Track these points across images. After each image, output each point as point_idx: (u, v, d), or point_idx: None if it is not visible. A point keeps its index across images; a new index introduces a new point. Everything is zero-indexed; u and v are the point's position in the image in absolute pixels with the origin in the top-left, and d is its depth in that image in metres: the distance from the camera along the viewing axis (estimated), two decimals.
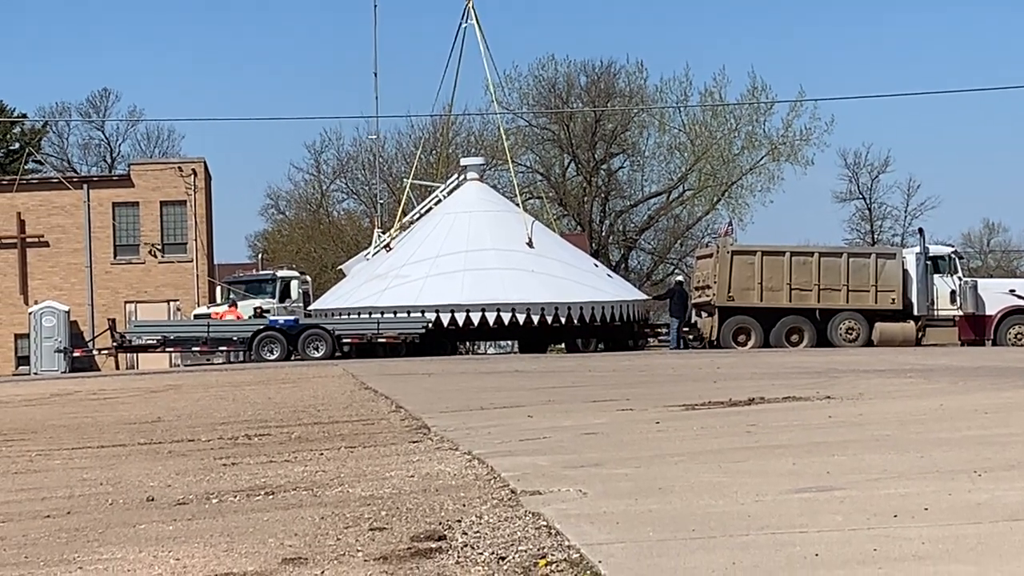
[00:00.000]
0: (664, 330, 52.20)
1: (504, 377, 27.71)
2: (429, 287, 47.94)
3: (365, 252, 54.83)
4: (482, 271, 48.34)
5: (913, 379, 22.10)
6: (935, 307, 46.33)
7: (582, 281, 49.15)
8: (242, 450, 14.92)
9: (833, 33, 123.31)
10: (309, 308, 51.84)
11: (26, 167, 66.46)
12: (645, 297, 54.60)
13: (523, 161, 78.02)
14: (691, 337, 48.83)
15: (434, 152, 69.27)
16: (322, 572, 7.46)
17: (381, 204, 69.45)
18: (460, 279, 48.08)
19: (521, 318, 47.56)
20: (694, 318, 49.80)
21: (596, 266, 53.68)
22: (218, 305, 52.75)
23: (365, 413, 19.36)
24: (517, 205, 54.24)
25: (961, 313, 46.08)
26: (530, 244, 49.91)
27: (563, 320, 48.00)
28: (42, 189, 60.11)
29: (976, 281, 48.09)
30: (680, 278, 49.58)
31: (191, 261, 59.24)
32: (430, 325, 46.99)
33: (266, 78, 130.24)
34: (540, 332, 48.77)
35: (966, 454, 11.05)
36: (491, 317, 47.39)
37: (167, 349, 49.25)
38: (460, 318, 47.38)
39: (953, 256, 48.02)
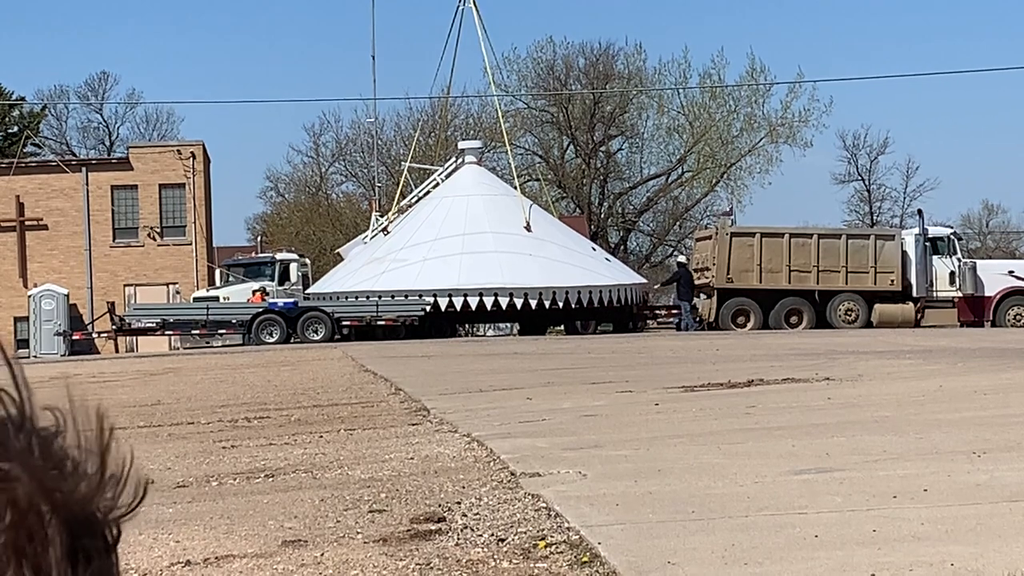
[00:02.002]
0: (662, 312, 52.25)
1: (503, 359, 27.72)
2: (427, 271, 47.88)
3: (363, 235, 54.75)
4: (480, 255, 48.26)
5: (912, 360, 22.12)
6: (934, 288, 46.33)
7: (580, 265, 49.07)
8: (242, 433, 14.94)
9: (832, 14, 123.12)
10: (308, 291, 51.81)
11: (25, 150, 66.36)
12: (644, 280, 54.46)
13: (522, 143, 77.94)
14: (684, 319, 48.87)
15: (432, 135, 69.19)
16: (322, 554, 7.47)
17: (379, 187, 69.39)
18: (457, 263, 48.00)
19: (519, 302, 47.51)
20: (693, 300, 49.81)
21: (594, 250, 53.58)
22: (219, 287, 52.78)
23: (364, 396, 19.37)
24: (515, 188, 54.14)
25: (960, 294, 46.07)
26: (528, 228, 49.85)
27: (560, 304, 47.95)
28: (41, 172, 60.04)
29: (975, 262, 48.06)
30: (682, 259, 49.14)
31: (190, 244, 59.21)
32: (428, 308, 46.98)
33: (265, 61, 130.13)
34: (539, 315, 48.73)
35: (965, 435, 11.06)
36: (488, 301, 47.34)
37: (166, 332, 49.23)
38: (458, 302, 47.34)
39: (952, 237, 48.01)
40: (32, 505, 1.04)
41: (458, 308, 47.48)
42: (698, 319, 48.10)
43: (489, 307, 47.57)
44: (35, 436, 1.07)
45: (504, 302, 47.42)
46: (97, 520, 1.07)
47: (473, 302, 47.33)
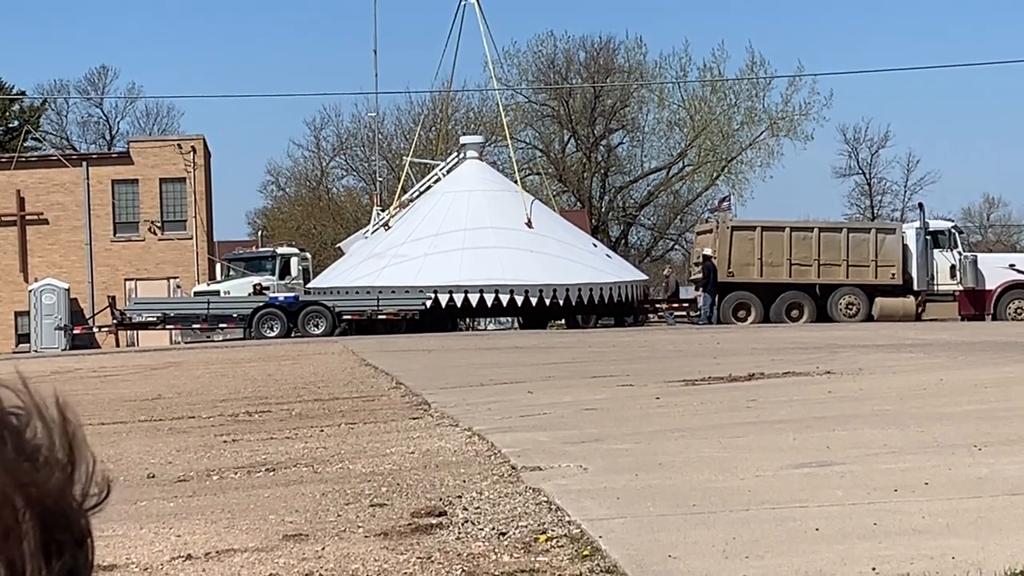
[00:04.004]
0: (663, 306, 52.24)
1: (504, 353, 27.71)
2: (428, 266, 47.85)
3: (364, 230, 54.73)
4: (481, 250, 48.21)
5: (913, 354, 22.11)
6: (935, 282, 46.33)
7: (581, 261, 49.00)
8: (242, 427, 14.94)
9: (832, 7, 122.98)
10: (308, 285, 51.80)
11: (25, 145, 66.30)
12: (644, 277, 54.31)
13: (522, 137, 77.91)
14: (692, 313, 48.85)
15: (433, 129, 69.16)
16: (323, 548, 7.47)
17: (380, 181, 69.36)
18: (459, 258, 47.96)
19: (519, 299, 47.48)
20: (693, 293, 49.79)
21: (595, 246, 53.54)
22: (220, 281, 52.80)
23: (365, 390, 19.37)
24: (516, 182, 54.09)
25: (961, 288, 46.07)
26: (529, 224, 49.77)
27: (561, 301, 47.94)
28: (41, 167, 60.00)
29: (976, 256, 48.06)
30: (708, 251, 47.91)
31: (191, 238, 59.19)
32: (429, 303, 46.99)
33: (266, 55, 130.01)
34: (539, 310, 48.71)
35: (966, 428, 11.05)
36: (489, 298, 47.30)
37: (167, 326, 49.24)
38: (459, 299, 47.32)
39: (953, 231, 48.00)
40: (6, 500, 1.03)
41: (459, 304, 47.49)
42: (698, 313, 48.07)
43: (490, 304, 47.59)
44: (5, 429, 1.06)
45: (505, 299, 47.42)
46: (70, 513, 1.06)
47: (474, 299, 47.32)
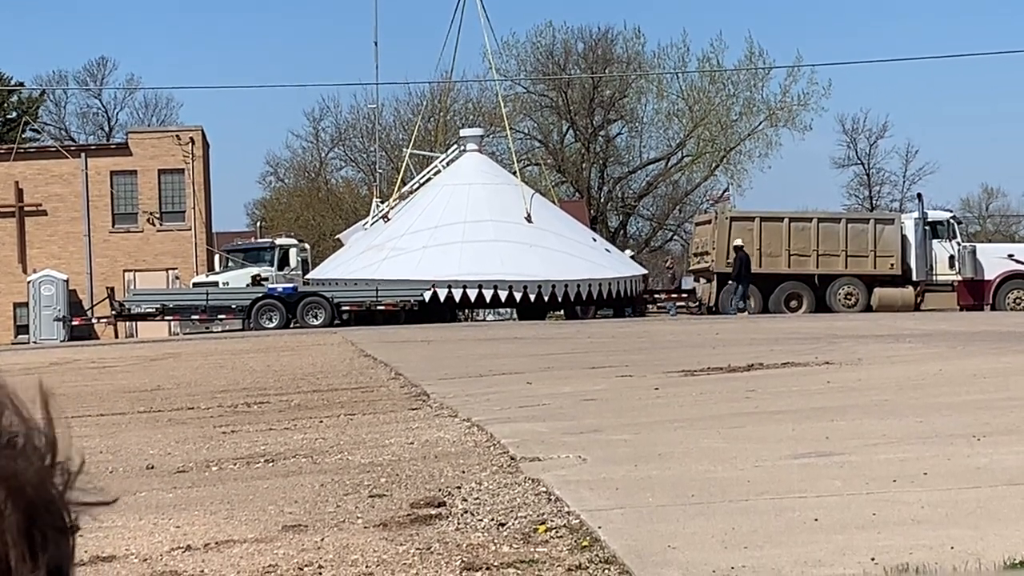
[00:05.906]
0: (662, 296, 52.25)
1: (503, 344, 27.70)
2: (427, 259, 47.77)
3: (363, 221, 54.69)
4: (480, 243, 48.12)
5: (912, 344, 22.10)
6: (934, 272, 46.33)
7: (580, 256, 48.86)
8: (241, 418, 14.94)
9: None
10: (307, 276, 51.78)
11: (23, 136, 66.24)
12: (644, 271, 54.12)
13: (521, 128, 77.87)
14: (691, 303, 48.80)
15: (432, 120, 69.10)
16: (322, 539, 7.47)
17: (380, 173, 69.32)
18: (458, 252, 47.87)
19: (518, 295, 47.43)
20: (692, 284, 49.74)
21: (595, 240, 53.44)
22: (219, 272, 52.77)
23: (364, 380, 19.37)
24: (515, 173, 54.02)
25: (960, 278, 46.07)
26: (529, 219, 49.67)
27: (559, 298, 47.94)
28: (40, 158, 59.97)
29: (975, 246, 48.06)
30: (738, 242, 46.73)
31: (189, 229, 59.17)
32: (428, 296, 46.97)
33: (264, 45, 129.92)
34: (538, 303, 48.66)
35: (965, 419, 11.06)
36: (488, 294, 47.27)
37: (166, 317, 49.23)
38: (457, 294, 47.27)
39: (952, 221, 48.01)
40: None
41: (457, 299, 47.49)
42: (697, 303, 48.03)
43: (488, 299, 47.64)
44: None
45: (503, 294, 47.39)
46: (51, 501, 1.06)
47: (472, 293, 47.29)
